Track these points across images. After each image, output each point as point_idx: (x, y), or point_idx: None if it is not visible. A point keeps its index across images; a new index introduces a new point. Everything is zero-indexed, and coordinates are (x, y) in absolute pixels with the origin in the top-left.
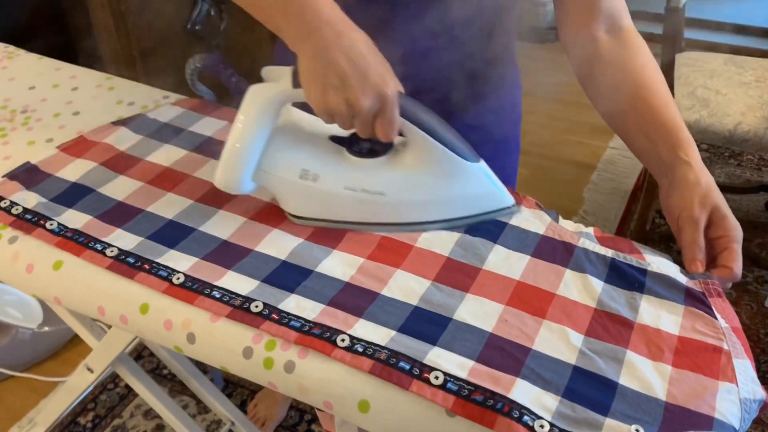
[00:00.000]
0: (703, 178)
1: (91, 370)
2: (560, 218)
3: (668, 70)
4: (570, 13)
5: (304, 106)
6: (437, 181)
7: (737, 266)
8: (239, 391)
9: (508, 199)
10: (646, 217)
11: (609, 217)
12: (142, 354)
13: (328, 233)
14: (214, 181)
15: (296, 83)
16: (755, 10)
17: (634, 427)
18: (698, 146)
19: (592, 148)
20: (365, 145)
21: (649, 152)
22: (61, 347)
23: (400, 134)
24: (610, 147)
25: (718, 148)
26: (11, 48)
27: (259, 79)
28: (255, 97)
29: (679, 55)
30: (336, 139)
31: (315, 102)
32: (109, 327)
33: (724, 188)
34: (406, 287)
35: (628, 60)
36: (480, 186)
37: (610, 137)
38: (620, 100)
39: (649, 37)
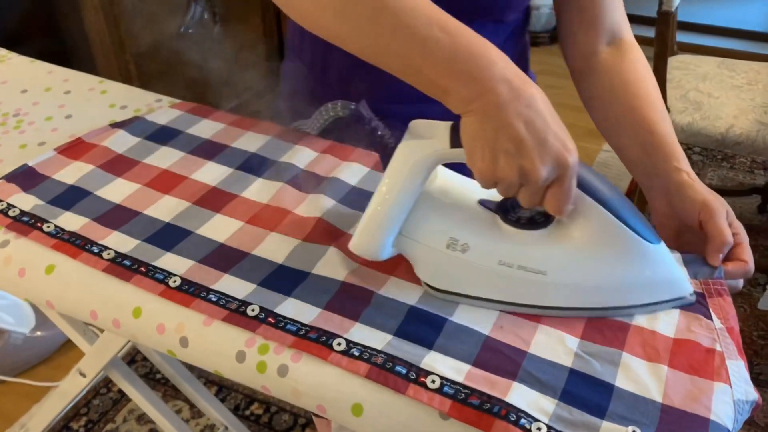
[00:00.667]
0: (701, 184)
1: (83, 375)
2: None
3: (660, 73)
4: (572, 25)
5: (453, 164)
6: (610, 262)
7: (751, 261)
8: (233, 395)
9: (687, 287)
10: None
11: None
12: (135, 358)
13: (326, 234)
14: (350, 245)
15: (456, 142)
16: (746, 13)
17: (630, 428)
18: (691, 149)
19: (586, 150)
20: (524, 213)
21: (642, 163)
22: (53, 352)
23: None
24: (603, 149)
25: (711, 151)
26: (3, 51)
27: (252, 82)
28: (406, 156)
29: (671, 59)
30: (486, 203)
31: (481, 167)
32: (102, 331)
33: (717, 191)
34: (402, 289)
35: (627, 72)
36: (658, 271)
37: (603, 140)
38: (616, 110)
39: (641, 41)
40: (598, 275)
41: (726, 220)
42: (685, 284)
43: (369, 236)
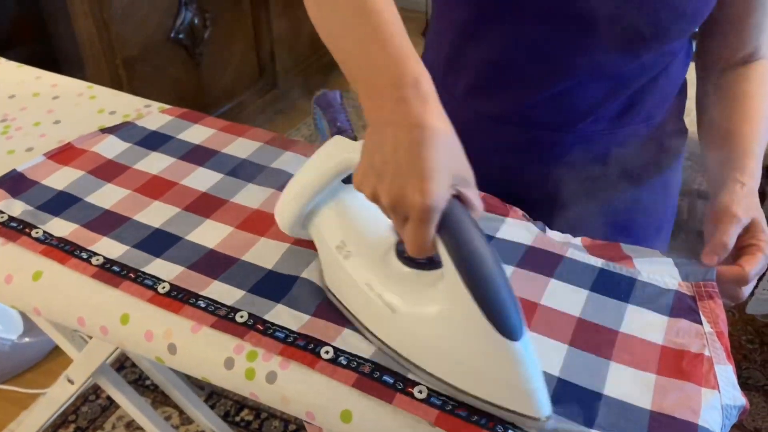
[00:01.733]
0: (751, 196)
1: (72, 382)
2: (548, 229)
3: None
4: (713, 40)
5: None
6: (455, 337)
7: (751, 269)
8: (222, 401)
9: (542, 409)
10: None
11: None
12: (124, 365)
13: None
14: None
15: None
16: None
17: None
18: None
19: None
20: None
21: (713, 172)
22: (41, 358)
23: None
24: None
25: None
26: None
27: (243, 88)
28: (333, 149)
29: None
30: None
31: (354, 174)
32: (91, 337)
33: (706, 196)
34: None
35: (747, 90)
36: (504, 373)
37: None
38: (716, 126)
39: None
40: (437, 342)
41: (737, 227)
42: (540, 404)
43: (282, 208)
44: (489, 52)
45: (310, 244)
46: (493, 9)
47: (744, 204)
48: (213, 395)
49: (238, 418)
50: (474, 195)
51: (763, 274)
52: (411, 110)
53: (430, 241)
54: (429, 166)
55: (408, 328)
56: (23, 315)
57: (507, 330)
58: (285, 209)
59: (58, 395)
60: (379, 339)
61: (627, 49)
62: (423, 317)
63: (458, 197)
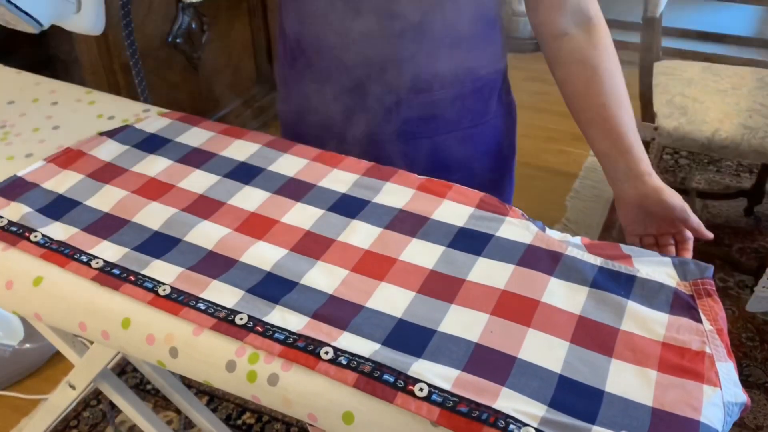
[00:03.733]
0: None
1: (73, 387)
2: (547, 228)
3: (646, 78)
4: (538, 7)
5: None
6: None
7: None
8: (224, 405)
9: None
10: None
11: (592, 225)
12: (125, 369)
13: (312, 244)
14: None
15: None
16: (730, 18)
17: None
18: (677, 153)
19: (574, 156)
20: None
21: (612, 160)
22: (42, 364)
23: None
24: (590, 155)
25: (697, 155)
26: None
27: (241, 92)
28: None
29: (657, 64)
30: None
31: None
32: (92, 342)
33: (704, 194)
34: (391, 299)
35: (600, 63)
36: None
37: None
38: (591, 105)
39: (625, 46)
40: None
41: (634, 211)
42: None
43: None
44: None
45: (310, 249)
46: None
47: (671, 190)
48: (214, 399)
49: (239, 422)
50: None
51: (764, 272)
52: None
53: None
54: None
55: None
56: (24, 321)
57: None
58: None
59: (59, 401)
60: None
61: None
62: None
63: None
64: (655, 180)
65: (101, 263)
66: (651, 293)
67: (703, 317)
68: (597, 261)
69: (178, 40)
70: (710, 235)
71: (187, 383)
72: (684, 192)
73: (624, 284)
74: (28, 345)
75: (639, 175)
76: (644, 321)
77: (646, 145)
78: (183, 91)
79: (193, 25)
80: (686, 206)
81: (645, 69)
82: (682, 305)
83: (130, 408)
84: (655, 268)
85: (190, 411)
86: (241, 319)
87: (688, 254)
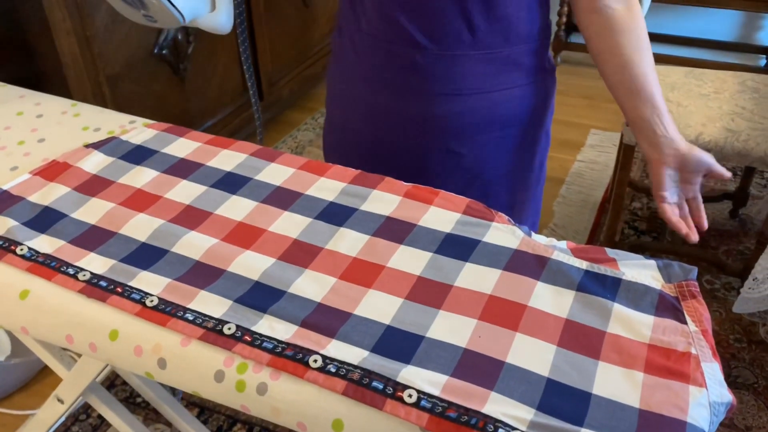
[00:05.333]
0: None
1: (61, 401)
2: (532, 233)
3: None
4: None
5: None
6: None
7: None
8: (215, 417)
9: None
10: (614, 228)
11: (579, 230)
12: (114, 382)
13: (300, 253)
14: None
15: None
16: (712, 23)
17: None
18: None
19: (560, 161)
20: None
21: (648, 123)
22: (30, 379)
23: None
24: (577, 160)
25: None
26: None
27: (227, 102)
28: None
29: None
30: None
31: None
32: (80, 356)
33: None
34: (379, 306)
35: (639, 37)
36: None
37: (577, 150)
38: (629, 75)
39: None
40: None
41: (665, 169)
42: None
43: None
44: None
45: (297, 258)
46: None
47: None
48: (205, 411)
49: None
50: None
51: (749, 273)
52: None
53: None
54: None
55: None
56: (11, 335)
57: None
58: None
59: (47, 416)
60: None
61: None
62: None
63: None
64: (684, 140)
65: (88, 275)
66: (636, 296)
67: (688, 318)
68: (583, 265)
69: (164, 52)
70: (728, 173)
71: (178, 396)
72: None
73: (610, 287)
74: (15, 360)
75: (678, 139)
76: (630, 323)
77: (632, 149)
78: (169, 103)
79: (179, 36)
80: (711, 156)
81: None
82: (668, 307)
83: (119, 421)
84: (640, 270)
85: (181, 423)
86: (230, 329)
87: (701, 209)
